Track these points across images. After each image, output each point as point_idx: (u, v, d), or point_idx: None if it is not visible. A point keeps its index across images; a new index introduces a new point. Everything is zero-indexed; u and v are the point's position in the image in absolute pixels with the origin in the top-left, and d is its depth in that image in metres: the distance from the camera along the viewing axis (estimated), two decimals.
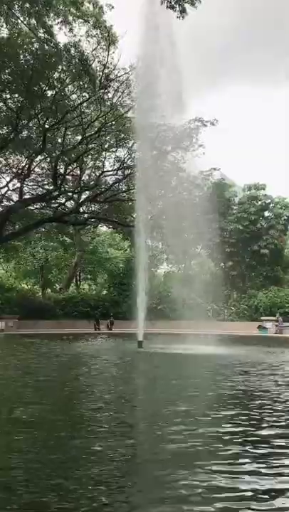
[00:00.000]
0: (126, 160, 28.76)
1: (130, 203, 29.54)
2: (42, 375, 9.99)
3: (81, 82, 22.59)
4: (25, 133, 25.24)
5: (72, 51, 20.09)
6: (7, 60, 20.80)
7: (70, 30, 20.38)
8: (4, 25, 19.63)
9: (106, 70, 23.10)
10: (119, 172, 29.43)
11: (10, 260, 41.42)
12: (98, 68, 22.85)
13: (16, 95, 23.26)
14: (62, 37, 20.81)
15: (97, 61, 22.53)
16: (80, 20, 20.40)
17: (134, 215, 30.15)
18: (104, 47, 22.13)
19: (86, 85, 22.66)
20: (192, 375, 10.05)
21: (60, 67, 21.72)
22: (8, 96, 23.48)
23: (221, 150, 77.80)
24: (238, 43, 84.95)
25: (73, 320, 34.62)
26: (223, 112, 56.50)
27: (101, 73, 22.96)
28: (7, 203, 28.12)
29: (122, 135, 27.38)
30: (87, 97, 24.29)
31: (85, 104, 24.88)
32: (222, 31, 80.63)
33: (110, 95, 25.01)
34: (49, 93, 23.32)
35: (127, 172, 28.64)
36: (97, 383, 8.72)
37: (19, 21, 19.22)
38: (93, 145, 27.68)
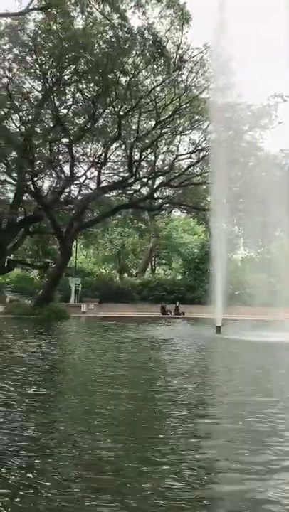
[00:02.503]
0: (200, 142, 28.16)
1: (205, 187, 29.00)
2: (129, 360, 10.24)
3: (155, 66, 22.41)
4: (100, 121, 25.74)
5: (146, 34, 19.94)
6: (83, 51, 21.26)
7: (143, 13, 20.26)
8: (80, 16, 20.03)
9: (180, 51, 22.61)
10: (193, 155, 28.91)
11: (89, 246, 43.19)
12: (172, 50, 22.44)
13: (92, 84, 23.75)
14: (135, 21, 20.80)
15: (170, 42, 22.12)
16: (153, 1, 20.12)
17: (209, 199, 29.54)
18: (178, 27, 21.60)
19: (160, 68, 22.43)
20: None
21: (133, 52, 21.70)
22: (84, 86, 24.08)
23: None
24: None
25: (149, 304, 35.31)
26: None
27: (175, 54, 22.53)
28: (86, 191, 29.11)
29: (196, 117, 26.78)
30: (161, 80, 24.05)
31: (158, 88, 24.67)
32: None
33: (184, 77, 24.47)
34: (123, 80, 23.47)
35: (201, 155, 28.05)
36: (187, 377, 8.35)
37: (94, 10, 19.47)
38: (167, 129, 27.47)
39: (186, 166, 29.51)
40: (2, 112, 23.01)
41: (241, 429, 4.63)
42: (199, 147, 28.13)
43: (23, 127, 23.54)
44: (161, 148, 30.62)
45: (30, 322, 19.75)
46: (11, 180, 26.33)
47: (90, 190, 28.71)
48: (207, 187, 27.70)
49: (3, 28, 20.81)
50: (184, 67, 23.54)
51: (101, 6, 19.74)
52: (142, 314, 31.09)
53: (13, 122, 24.42)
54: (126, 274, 46.32)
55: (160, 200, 32.69)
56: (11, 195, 27.53)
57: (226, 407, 5.78)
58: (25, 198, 27.82)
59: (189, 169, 29.28)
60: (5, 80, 22.01)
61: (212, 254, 19.52)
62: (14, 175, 25.72)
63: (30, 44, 21.10)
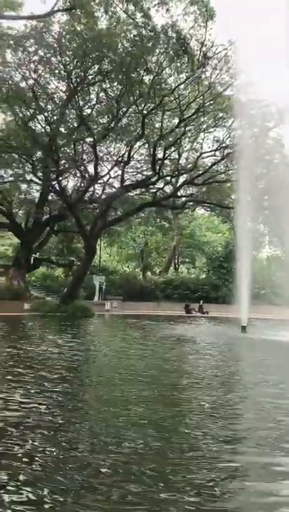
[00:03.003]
0: (224, 140, 27.84)
1: (229, 184, 28.68)
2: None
3: (178, 64, 22.31)
4: (124, 120, 25.82)
5: (170, 32, 19.86)
6: (106, 50, 21.37)
7: (167, 10, 20.18)
8: (104, 16, 20.15)
9: (204, 48, 22.39)
10: (217, 153, 28.63)
11: (113, 245, 43.49)
12: (196, 47, 22.25)
13: (115, 84, 23.85)
14: (159, 19, 20.76)
15: (194, 39, 21.92)
16: None
17: (233, 197, 29.19)
18: (202, 23, 21.39)
19: (184, 66, 22.31)
20: None
21: (157, 50, 21.65)
22: (108, 85, 24.21)
23: None
24: None
25: (173, 302, 35.27)
26: None
27: (199, 52, 22.34)
28: (109, 190, 29.30)
29: (220, 114, 26.51)
30: (185, 78, 23.90)
31: (182, 86, 24.51)
32: None
33: (208, 74, 24.22)
34: (147, 78, 23.45)
35: (225, 152, 27.74)
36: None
37: (118, 9, 19.56)
38: (191, 127, 27.27)
39: (210, 164, 29.24)
40: (28, 113, 23.44)
41: None
42: (223, 144, 27.80)
43: (49, 127, 23.90)
44: (185, 146, 30.45)
45: (57, 319, 20.04)
46: (37, 180, 26.82)
47: (114, 189, 28.88)
48: (231, 185, 27.38)
49: (29, 31, 21.16)
50: (207, 64, 23.31)
51: (125, 5, 19.82)
52: (166, 313, 31.10)
53: (39, 123, 24.85)
54: (149, 273, 46.39)
55: (184, 199, 32.55)
56: (37, 194, 28.10)
57: None
58: (50, 197, 28.30)
59: (213, 167, 29.01)
60: (31, 82, 22.41)
61: (237, 252, 19.32)
62: (40, 175, 26.18)
63: (55, 45, 21.39)
